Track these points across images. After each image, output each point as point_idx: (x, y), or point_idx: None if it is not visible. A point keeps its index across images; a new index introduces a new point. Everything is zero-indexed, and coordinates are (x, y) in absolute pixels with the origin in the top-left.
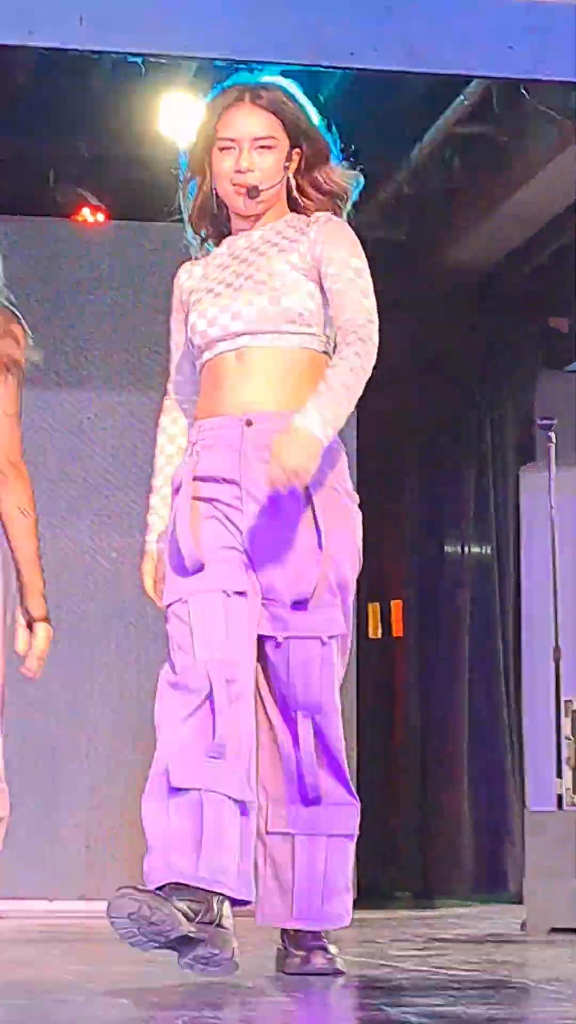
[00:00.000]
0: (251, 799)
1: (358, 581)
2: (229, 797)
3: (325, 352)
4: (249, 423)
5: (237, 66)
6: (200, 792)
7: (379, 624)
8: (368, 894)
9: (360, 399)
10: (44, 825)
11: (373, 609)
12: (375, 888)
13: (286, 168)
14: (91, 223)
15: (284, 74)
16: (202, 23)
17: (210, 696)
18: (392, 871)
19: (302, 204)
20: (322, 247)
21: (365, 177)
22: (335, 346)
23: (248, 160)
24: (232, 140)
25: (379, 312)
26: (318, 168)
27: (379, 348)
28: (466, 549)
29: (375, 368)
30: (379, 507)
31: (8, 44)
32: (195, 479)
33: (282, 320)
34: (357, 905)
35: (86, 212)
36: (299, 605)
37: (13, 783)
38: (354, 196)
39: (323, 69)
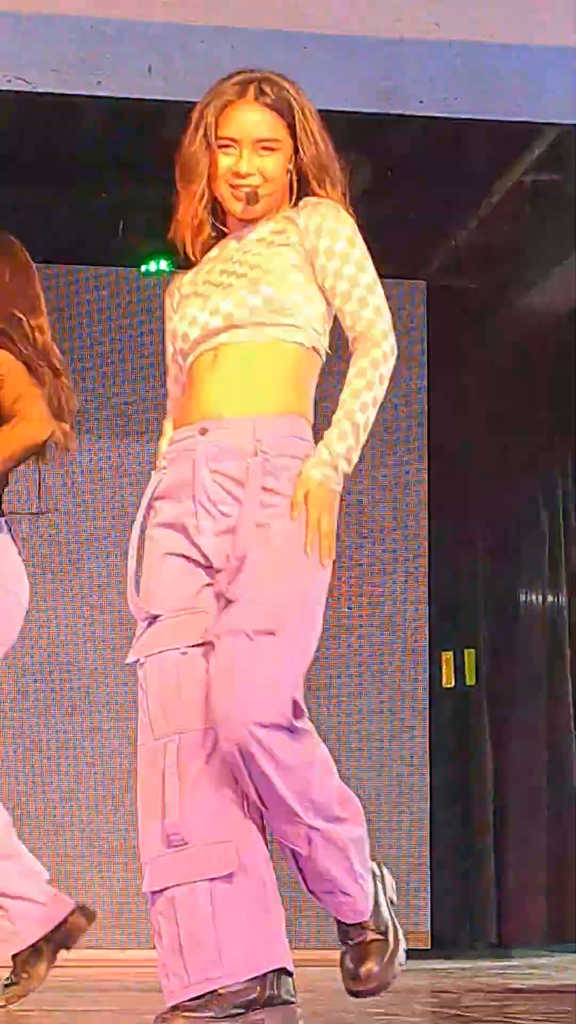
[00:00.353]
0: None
1: (431, 630)
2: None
3: (315, 349)
4: (203, 431)
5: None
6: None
7: (452, 673)
8: (442, 944)
9: (432, 443)
10: (120, 876)
11: (447, 658)
12: (449, 938)
13: (289, 172)
14: (159, 272)
15: (354, 122)
16: (279, 69)
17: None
18: (466, 921)
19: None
20: (315, 237)
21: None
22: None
23: (249, 163)
24: (233, 140)
25: (450, 359)
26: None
27: (452, 395)
28: (540, 597)
29: (451, 414)
30: (452, 554)
31: (77, 94)
32: (155, 499)
33: (264, 312)
34: (430, 955)
35: (154, 261)
36: None
37: (96, 832)
38: None
39: (393, 118)
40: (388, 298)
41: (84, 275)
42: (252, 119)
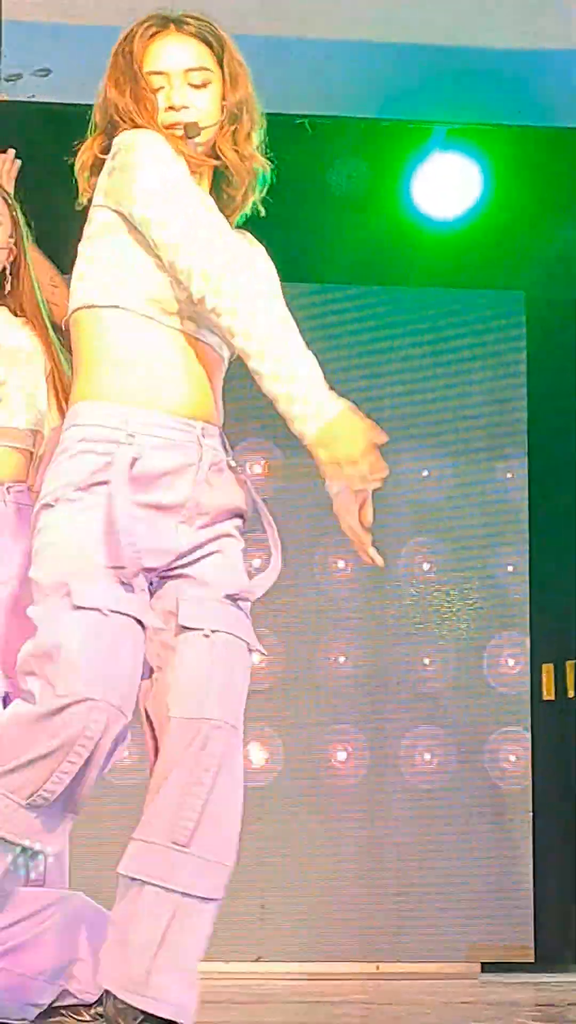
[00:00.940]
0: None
1: (532, 640)
2: None
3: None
4: (205, 433)
5: (410, 126)
6: None
7: (553, 685)
8: (545, 958)
9: (535, 459)
10: None
11: (547, 670)
12: (553, 952)
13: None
14: None
15: (453, 132)
16: (370, 83)
17: None
18: (571, 934)
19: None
20: None
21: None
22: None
23: (183, 96)
24: (161, 73)
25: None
26: (245, 132)
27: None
28: None
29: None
30: (553, 565)
31: None
32: (164, 473)
33: None
34: (534, 969)
35: None
36: None
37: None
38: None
39: (492, 127)
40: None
41: None
42: (180, 50)
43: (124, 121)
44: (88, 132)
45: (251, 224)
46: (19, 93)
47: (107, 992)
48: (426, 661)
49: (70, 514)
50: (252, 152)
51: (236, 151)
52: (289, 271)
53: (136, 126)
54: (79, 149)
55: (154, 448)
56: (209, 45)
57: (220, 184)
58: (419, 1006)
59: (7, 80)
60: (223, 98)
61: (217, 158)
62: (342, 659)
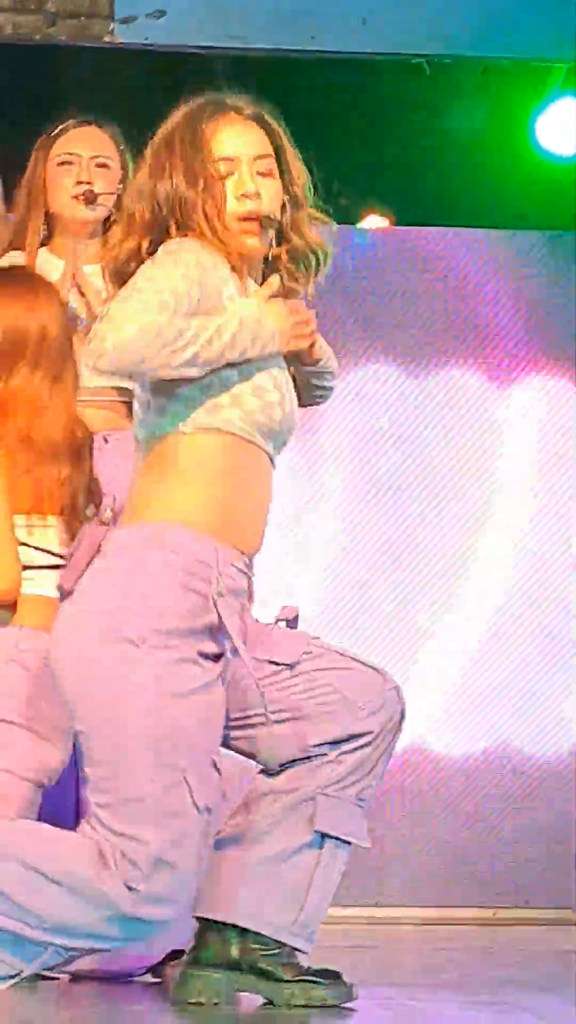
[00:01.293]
0: None
1: None
2: None
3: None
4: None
5: (532, 65)
6: None
7: None
8: None
9: None
10: None
11: None
12: None
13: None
14: (376, 229)
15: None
16: (489, 22)
17: None
18: None
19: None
20: None
21: None
22: None
23: (255, 183)
24: (230, 160)
25: None
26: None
27: None
28: None
29: None
30: None
31: (290, 49)
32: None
33: None
34: None
35: (371, 218)
36: None
37: None
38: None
39: None
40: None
41: None
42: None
43: (181, 215)
44: (123, 227)
45: (370, 169)
46: (133, 37)
47: (241, 930)
48: None
49: (170, 671)
50: (318, 236)
51: (303, 237)
52: (411, 214)
53: (189, 222)
54: (112, 239)
55: (228, 590)
56: (267, 131)
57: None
58: (535, 954)
59: (121, 23)
60: (291, 184)
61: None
62: None
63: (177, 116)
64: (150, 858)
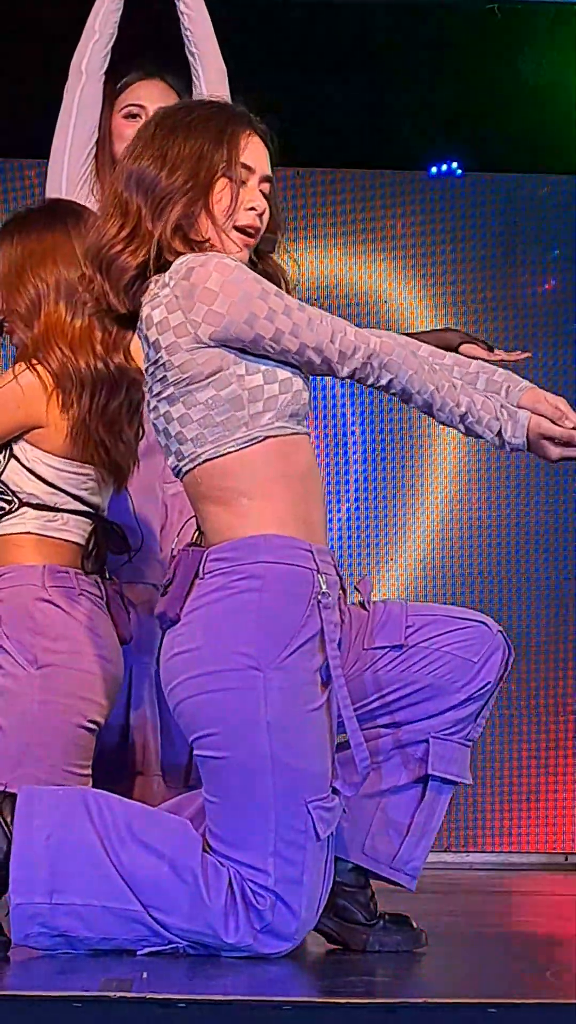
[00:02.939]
0: None
1: None
2: None
3: None
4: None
5: None
6: None
7: None
8: None
9: None
10: None
11: None
12: None
13: None
14: (444, 175)
15: None
16: None
17: None
18: None
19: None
20: None
21: None
22: None
23: (261, 200)
24: (250, 170)
25: None
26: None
27: None
28: None
29: None
30: None
31: None
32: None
33: None
34: None
35: (443, 163)
36: None
37: None
38: None
39: None
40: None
41: (373, 178)
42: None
43: (180, 211)
44: (119, 217)
45: (442, 117)
46: None
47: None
48: None
49: (291, 693)
50: (282, 264)
51: (272, 263)
52: (481, 160)
53: (184, 220)
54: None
55: (328, 585)
56: (271, 157)
57: None
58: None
59: None
60: (276, 212)
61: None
62: None
63: (200, 107)
64: (272, 889)
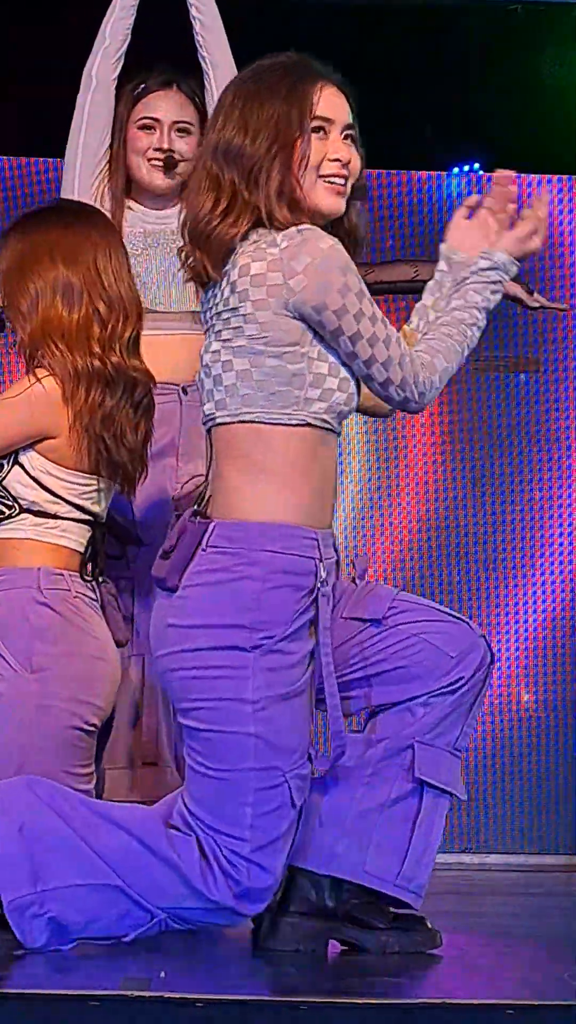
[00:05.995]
0: None
1: None
2: None
3: None
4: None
5: None
6: None
7: None
8: None
9: None
10: None
11: None
12: None
13: None
14: (469, 176)
15: None
16: None
17: None
18: None
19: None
20: None
21: None
22: None
23: (345, 150)
24: (328, 120)
25: None
26: None
27: None
28: None
29: None
30: None
31: None
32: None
33: None
34: None
35: (465, 164)
36: None
37: None
38: None
39: None
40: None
41: (396, 179)
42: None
43: (263, 173)
44: (210, 189)
45: (463, 115)
46: None
47: (338, 880)
48: None
49: (278, 676)
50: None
51: (352, 219)
52: (501, 160)
53: (270, 180)
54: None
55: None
56: (351, 105)
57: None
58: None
59: None
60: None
61: None
62: None
63: (268, 71)
64: (249, 857)
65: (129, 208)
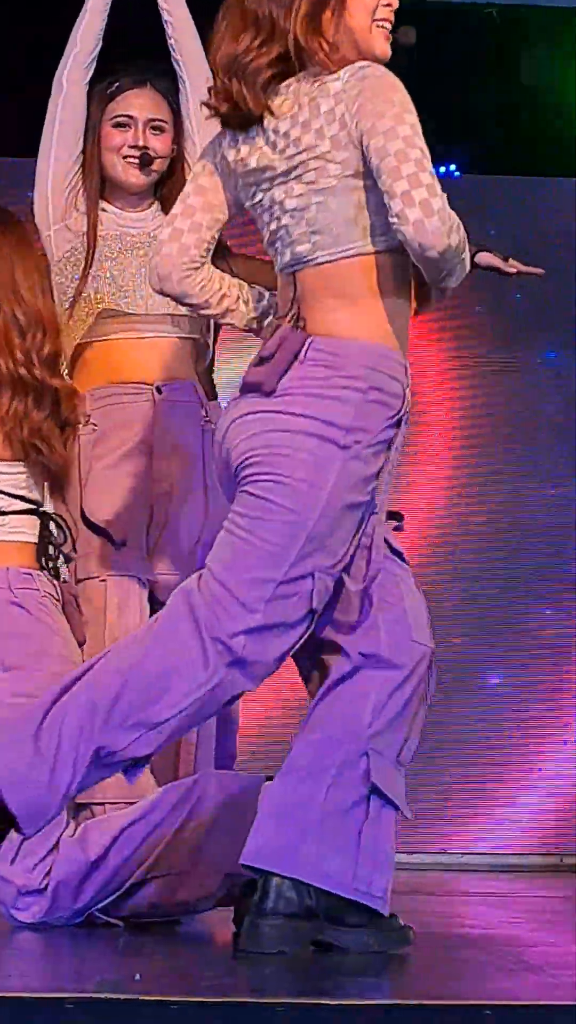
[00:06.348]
0: None
1: None
2: None
3: None
4: None
5: None
6: None
7: None
8: None
9: None
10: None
11: None
12: None
13: None
14: (442, 178)
15: None
16: None
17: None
18: None
19: None
20: None
21: None
22: None
23: None
24: None
25: None
26: None
27: None
28: None
29: None
30: None
31: None
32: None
33: None
34: None
35: (440, 165)
36: None
37: None
38: None
39: None
40: None
41: None
42: None
43: (314, 15)
44: (253, 29)
45: (440, 115)
46: None
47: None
48: None
49: (356, 482)
50: None
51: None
52: (478, 162)
53: (328, 24)
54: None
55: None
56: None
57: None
58: None
59: None
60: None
61: None
62: None
63: None
64: (247, 628)
65: (103, 210)
